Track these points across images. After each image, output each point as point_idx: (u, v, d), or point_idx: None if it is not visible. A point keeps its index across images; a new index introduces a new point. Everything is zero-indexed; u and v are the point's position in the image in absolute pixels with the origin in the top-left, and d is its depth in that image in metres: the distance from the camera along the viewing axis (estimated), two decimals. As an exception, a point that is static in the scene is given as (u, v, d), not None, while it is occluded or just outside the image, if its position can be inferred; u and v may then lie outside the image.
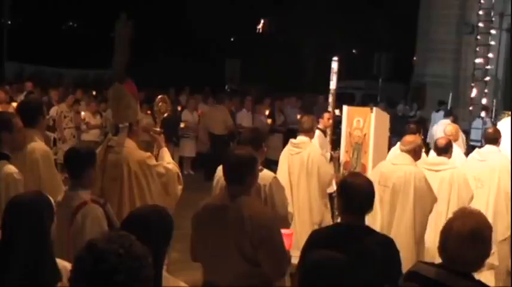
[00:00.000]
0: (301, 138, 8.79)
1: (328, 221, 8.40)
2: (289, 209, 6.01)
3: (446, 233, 3.38)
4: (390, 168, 7.27)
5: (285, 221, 5.72)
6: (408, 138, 7.51)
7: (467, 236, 3.31)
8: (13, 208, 3.42)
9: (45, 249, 3.34)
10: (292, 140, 8.95)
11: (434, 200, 7.15)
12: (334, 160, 11.10)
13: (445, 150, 7.97)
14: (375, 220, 7.03)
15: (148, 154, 6.09)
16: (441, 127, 13.81)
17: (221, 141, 16.18)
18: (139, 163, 5.92)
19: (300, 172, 8.51)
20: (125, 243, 2.44)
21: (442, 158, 7.93)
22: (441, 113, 20.25)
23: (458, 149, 9.72)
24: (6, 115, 5.66)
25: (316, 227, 8.03)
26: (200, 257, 4.67)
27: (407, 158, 7.22)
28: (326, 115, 11.58)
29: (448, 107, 20.18)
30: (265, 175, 5.64)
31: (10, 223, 3.37)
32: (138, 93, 6.43)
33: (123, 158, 5.87)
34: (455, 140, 9.85)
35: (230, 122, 16.86)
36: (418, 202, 6.99)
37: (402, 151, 7.34)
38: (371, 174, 7.85)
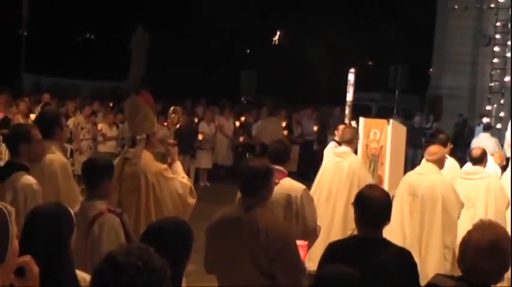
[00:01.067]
0: (342, 149, 9.17)
1: None
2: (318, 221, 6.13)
3: (465, 244, 3.36)
4: (417, 178, 7.65)
5: (314, 233, 5.86)
6: (433, 148, 7.84)
7: (486, 248, 3.28)
8: (32, 219, 3.44)
9: (64, 261, 3.35)
10: (334, 150, 9.41)
11: (461, 206, 7.46)
12: None
13: (479, 160, 8.39)
14: (402, 229, 7.48)
15: (165, 166, 6.11)
16: (481, 139, 13.90)
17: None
18: (157, 174, 5.93)
19: (340, 181, 8.84)
20: (143, 256, 2.44)
21: (478, 167, 8.31)
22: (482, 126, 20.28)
23: (494, 165, 10.10)
24: (25, 127, 5.70)
25: (350, 232, 8.23)
26: (215, 270, 4.66)
27: (433, 167, 7.57)
28: (341, 127, 11.57)
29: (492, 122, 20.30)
30: (294, 186, 5.76)
31: (29, 234, 3.38)
32: (154, 104, 6.44)
33: (141, 169, 5.89)
34: (501, 162, 10.44)
35: (281, 133, 17.36)
36: (446, 209, 7.33)
37: (428, 160, 7.68)
38: (400, 184, 8.11)
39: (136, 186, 5.87)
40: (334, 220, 8.69)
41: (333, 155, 9.24)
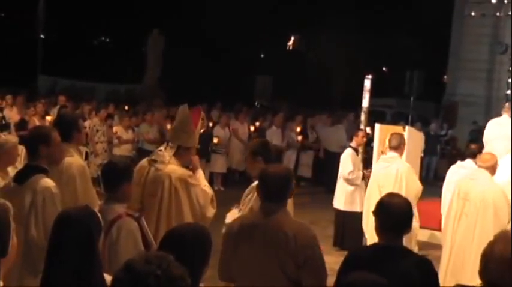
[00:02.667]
0: (390, 154, 9.53)
1: (415, 229, 9.11)
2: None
3: (488, 256, 3.30)
4: (469, 183, 8.02)
5: None
6: (486, 156, 8.25)
7: (510, 259, 3.23)
8: (62, 222, 3.44)
9: (94, 263, 3.35)
10: (382, 156, 9.91)
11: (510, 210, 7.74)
12: (366, 178, 11.09)
13: None
14: (453, 232, 7.95)
15: (191, 172, 6.12)
16: None
17: (334, 159, 17.31)
18: (181, 179, 5.94)
19: (389, 185, 9.15)
20: (162, 264, 2.41)
21: None
22: None
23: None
24: (45, 129, 5.71)
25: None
26: (235, 276, 4.58)
27: (485, 173, 7.93)
28: (360, 133, 11.59)
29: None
30: None
31: (60, 237, 3.38)
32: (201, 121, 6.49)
33: (166, 174, 5.91)
34: None
35: (344, 141, 17.70)
36: (496, 214, 7.64)
37: (481, 167, 8.02)
38: (454, 189, 8.49)
39: (158, 190, 5.89)
40: None
41: (381, 160, 9.72)
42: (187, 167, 6.19)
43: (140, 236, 4.69)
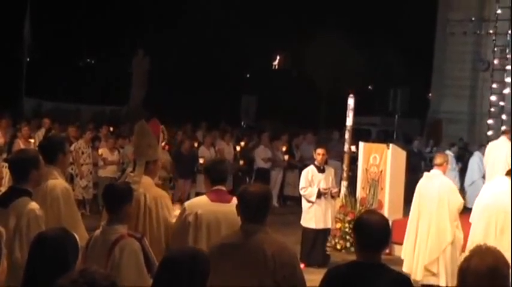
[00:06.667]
0: (434, 171, 9.85)
1: (460, 240, 9.57)
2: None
3: (464, 271, 3.36)
4: (507, 197, 8.86)
5: None
6: None
7: (486, 273, 3.29)
8: (39, 244, 3.47)
9: None
10: (426, 173, 10.19)
11: None
12: (322, 194, 11.12)
13: None
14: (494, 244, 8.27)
15: (166, 194, 6.15)
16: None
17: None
18: (156, 199, 5.98)
19: (431, 201, 9.55)
20: (87, 278, 2.48)
21: None
22: None
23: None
24: (34, 152, 5.69)
25: (445, 245, 9.39)
26: None
27: None
28: (318, 151, 11.61)
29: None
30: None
31: (35, 258, 3.41)
32: (161, 133, 6.52)
33: (140, 194, 5.91)
34: None
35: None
36: None
37: None
38: (487, 199, 9.26)
39: (134, 211, 5.88)
40: (428, 238, 9.50)
41: (425, 177, 10.01)
42: (162, 184, 6.19)
43: (142, 257, 4.74)
